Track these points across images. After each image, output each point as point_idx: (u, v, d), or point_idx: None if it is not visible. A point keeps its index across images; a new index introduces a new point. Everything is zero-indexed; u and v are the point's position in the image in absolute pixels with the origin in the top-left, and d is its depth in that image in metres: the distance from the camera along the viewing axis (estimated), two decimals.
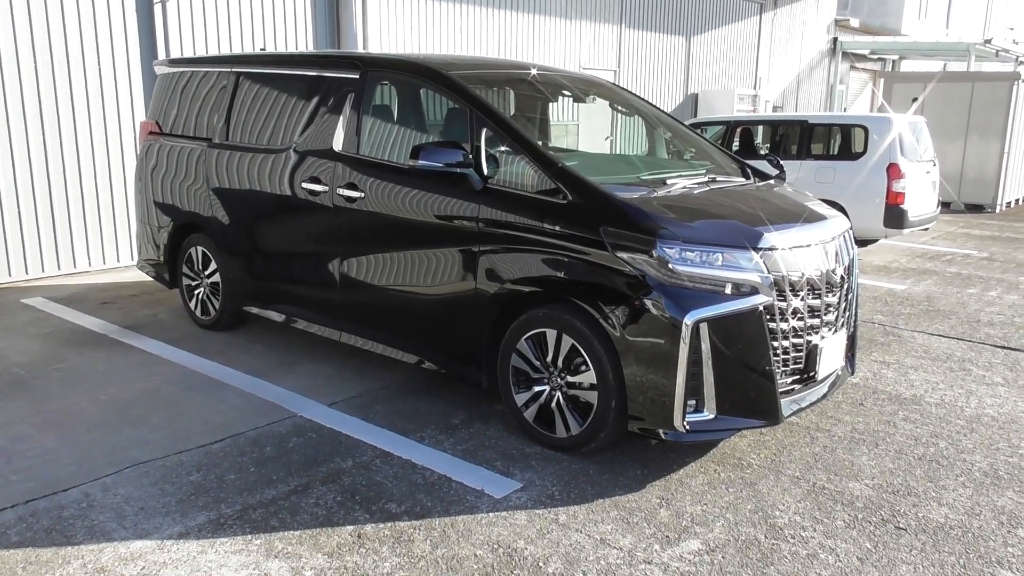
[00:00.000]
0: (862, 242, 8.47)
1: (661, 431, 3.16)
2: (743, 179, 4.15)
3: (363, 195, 3.98)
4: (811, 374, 3.40)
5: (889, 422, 3.91)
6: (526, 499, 3.05)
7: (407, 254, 3.84)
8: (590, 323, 3.24)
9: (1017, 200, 13.64)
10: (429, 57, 4.27)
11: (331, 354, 4.68)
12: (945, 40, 21.47)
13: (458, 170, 3.55)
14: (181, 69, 5.32)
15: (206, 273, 5.09)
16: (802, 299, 3.30)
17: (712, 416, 3.14)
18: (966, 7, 24.90)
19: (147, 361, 4.58)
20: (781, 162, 4.80)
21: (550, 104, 5.22)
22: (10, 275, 6.40)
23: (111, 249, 6.99)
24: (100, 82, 6.70)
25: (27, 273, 6.50)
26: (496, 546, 2.73)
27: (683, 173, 4.00)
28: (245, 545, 2.70)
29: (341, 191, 4.07)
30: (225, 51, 7.44)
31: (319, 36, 8.26)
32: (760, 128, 9.93)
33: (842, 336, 3.61)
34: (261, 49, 7.56)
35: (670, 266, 3.07)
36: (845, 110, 19.16)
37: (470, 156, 3.56)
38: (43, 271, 6.59)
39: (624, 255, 3.15)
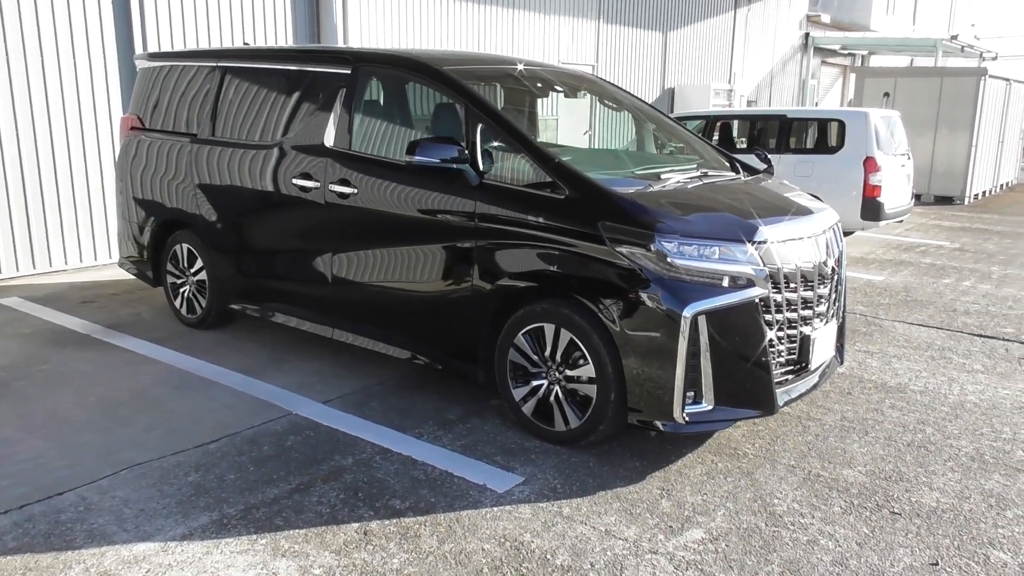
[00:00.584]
0: None
1: (660, 423, 3.20)
2: (733, 173, 4.21)
3: (356, 191, 3.96)
4: (804, 364, 3.47)
5: (877, 410, 4.00)
6: (528, 493, 3.07)
7: (401, 250, 3.82)
8: (588, 317, 3.26)
9: (985, 192, 13.99)
10: (422, 52, 4.24)
11: (321, 351, 4.65)
12: (912, 36, 21.89)
13: (454, 166, 3.55)
14: (163, 63, 5.22)
15: (192, 271, 5.01)
16: (796, 291, 3.36)
17: (710, 407, 3.19)
18: (931, 3, 25.42)
19: (133, 360, 4.50)
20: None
21: (538, 99, 5.23)
22: None
23: (88, 247, 6.84)
24: (75, 75, 6.54)
25: (1, 272, 6.34)
26: (503, 540, 2.74)
27: (676, 168, 4.04)
28: (251, 545, 2.68)
29: (333, 187, 4.04)
30: (204, 44, 7.31)
31: (298, 29, 8.16)
32: (739, 123, 10.04)
33: (832, 327, 3.68)
34: (245, 44, 7.45)
35: (668, 260, 3.11)
36: (817, 104, 19.46)
37: (466, 152, 3.56)
38: (18, 270, 6.43)
39: (622, 249, 3.17)
